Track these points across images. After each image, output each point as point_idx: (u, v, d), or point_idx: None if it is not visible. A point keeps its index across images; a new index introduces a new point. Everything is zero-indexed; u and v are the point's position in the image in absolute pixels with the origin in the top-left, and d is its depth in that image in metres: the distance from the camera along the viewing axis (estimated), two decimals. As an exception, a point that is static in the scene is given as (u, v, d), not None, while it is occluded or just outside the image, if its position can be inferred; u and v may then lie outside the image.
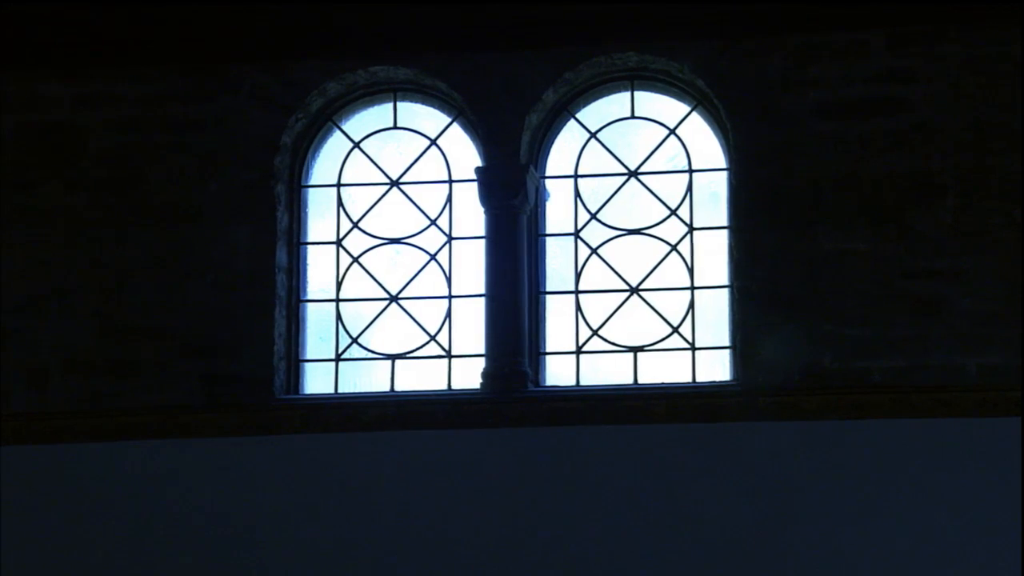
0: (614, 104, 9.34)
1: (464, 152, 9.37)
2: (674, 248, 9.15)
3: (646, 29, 9.00)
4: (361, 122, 9.53)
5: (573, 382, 9.12)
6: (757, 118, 8.92)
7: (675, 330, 9.07)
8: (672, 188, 9.23)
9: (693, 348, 9.04)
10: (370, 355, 9.28)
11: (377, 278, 9.34)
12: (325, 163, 9.51)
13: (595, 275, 9.20)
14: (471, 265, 9.24)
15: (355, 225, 9.41)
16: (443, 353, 9.21)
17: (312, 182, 9.48)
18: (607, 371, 9.12)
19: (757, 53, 8.95)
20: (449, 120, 9.42)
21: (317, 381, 9.30)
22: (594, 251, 9.22)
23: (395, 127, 9.49)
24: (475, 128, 9.24)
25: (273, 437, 8.92)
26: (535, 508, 8.68)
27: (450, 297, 9.27)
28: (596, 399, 8.84)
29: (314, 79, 9.29)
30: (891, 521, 8.43)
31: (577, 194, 9.30)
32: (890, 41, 8.86)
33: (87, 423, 9.00)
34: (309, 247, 9.43)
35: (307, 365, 9.31)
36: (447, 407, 8.93)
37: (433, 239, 9.34)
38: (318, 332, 9.36)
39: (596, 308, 9.17)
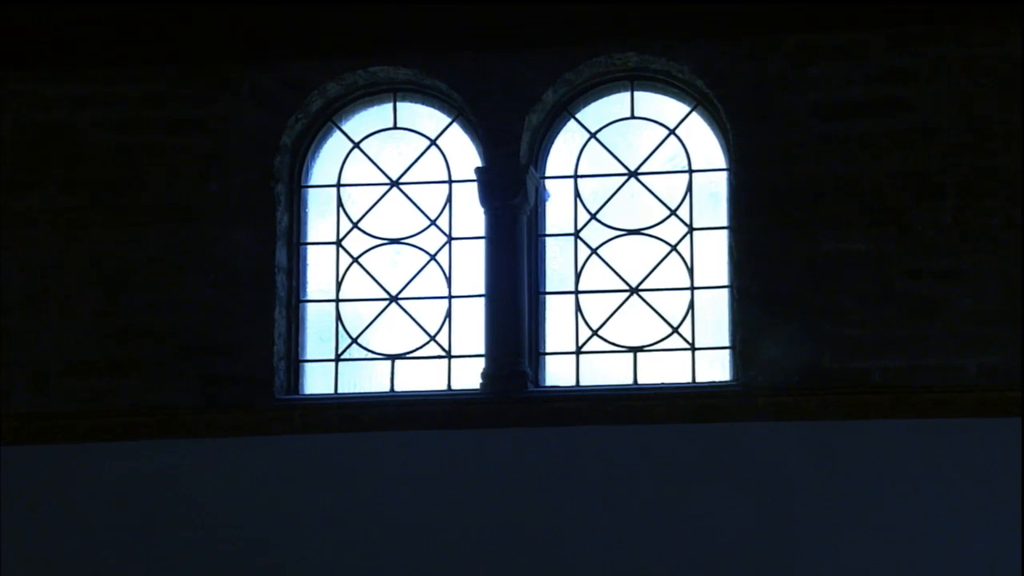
0: (614, 104, 9.34)
1: (464, 152, 9.37)
2: (674, 248, 9.15)
3: (646, 29, 9.00)
4: (361, 122, 9.53)
5: (573, 382, 9.11)
6: (757, 118, 8.92)
7: (675, 330, 9.07)
8: (672, 188, 9.23)
9: (693, 348, 9.04)
10: (370, 355, 9.28)
11: (377, 278, 9.34)
12: (325, 163, 9.51)
13: (595, 275, 9.20)
14: (471, 265, 9.24)
15: (355, 225, 9.41)
16: (443, 353, 9.21)
17: (312, 182, 9.48)
18: (607, 371, 9.12)
19: (757, 53, 8.95)
20: (449, 120, 9.42)
21: (317, 381, 9.30)
22: (594, 251, 9.22)
23: (395, 127, 9.49)
24: (475, 128, 9.24)
25: (273, 437, 8.92)
26: (535, 508, 8.68)
27: (450, 297, 9.27)
28: (596, 399, 8.84)
29: (314, 79, 9.29)
30: (891, 521, 8.43)
31: (577, 194, 9.30)
32: (890, 41, 8.86)
33: (87, 423, 9.00)
34: (309, 247, 9.43)
35: (307, 365, 9.31)
36: (447, 407, 8.93)
37: (433, 239, 9.34)
38: (318, 332, 9.36)
39: (596, 308, 9.17)
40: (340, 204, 9.45)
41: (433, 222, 9.35)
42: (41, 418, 9.05)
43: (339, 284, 9.37)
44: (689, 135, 9.25)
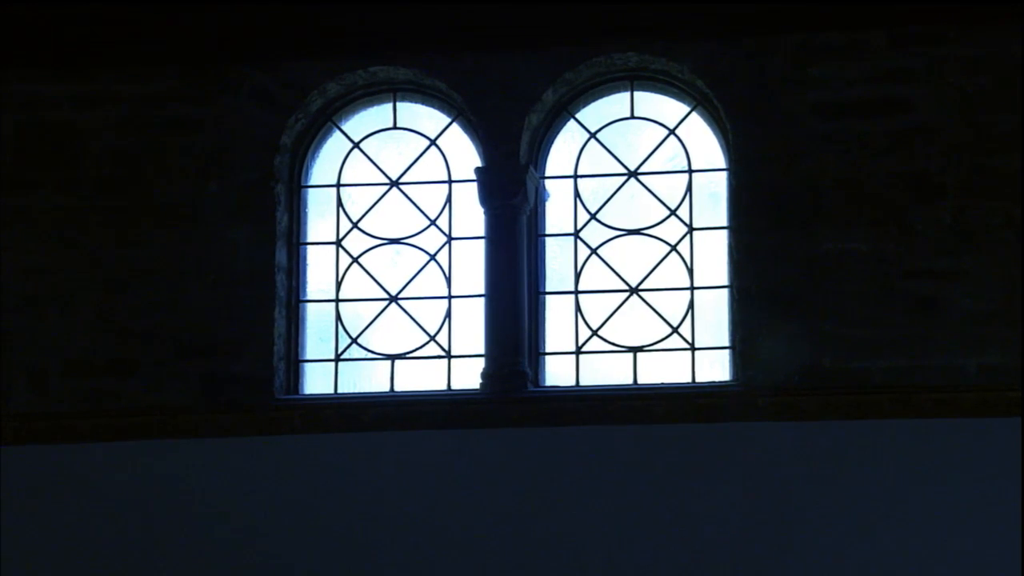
0: (614, 104, 9.34)
1: (464, 152, 9.37)
2: (674, 248, 9.15)
3: (646, 29, 9.00)
4: (361, 122, 9.53)
5: (573, 382, 9.11)
6: (757, 118, 8.92)
7: (675, 330, 9.07)
8: (672, 188, 9.23)
9: (693, 348, 9.04)
10: (370, 355, 9.28)
11: (377, 278, 9.34)
12: (325, 163, 9.51)
13: (595, 275, 9.20)
14: (471, 265, 9.24)
15: (355, 225, 9.41)
16: (443, 353, 9.21)
17: (312, 182, 9.48)
18: (607, 371, 9.12)
19: (757, 53, 8.95)
20: (449, 120, 9.42)
21: (317, 381, 9.30)
22: (594, 251, 9.22)
23: (395, 127, 9.49)
24: (475, 128, 9.24)
25: (273, 437, 8.92)
26: (535, 508, 8.68)
27: (450, 297, 9.26)
28: (596, 399, 8.84)
29: (314, 79, 9.29)
30: (891, 521, 8.43)
31: (577, 194, 9.30)
32: (890, 41, 8.86)
33: (87, 423, 9.00)
34: (309, 247, 9.43)
35: (307, 365, 9.31)
36: (447, 407, 8.93)
37: (433, 239, 9.34)
38: (318, 332, 9.36)
39: (596, 308, 9.17)
40: (340, 204, 9.45)
41: (433, 222, 9.35)
42: (41, 418, 9.04)
43: (339, 284, 9.37)
44: (689, 135, 9.25)
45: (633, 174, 9.26)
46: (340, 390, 9.25)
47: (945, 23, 8.80)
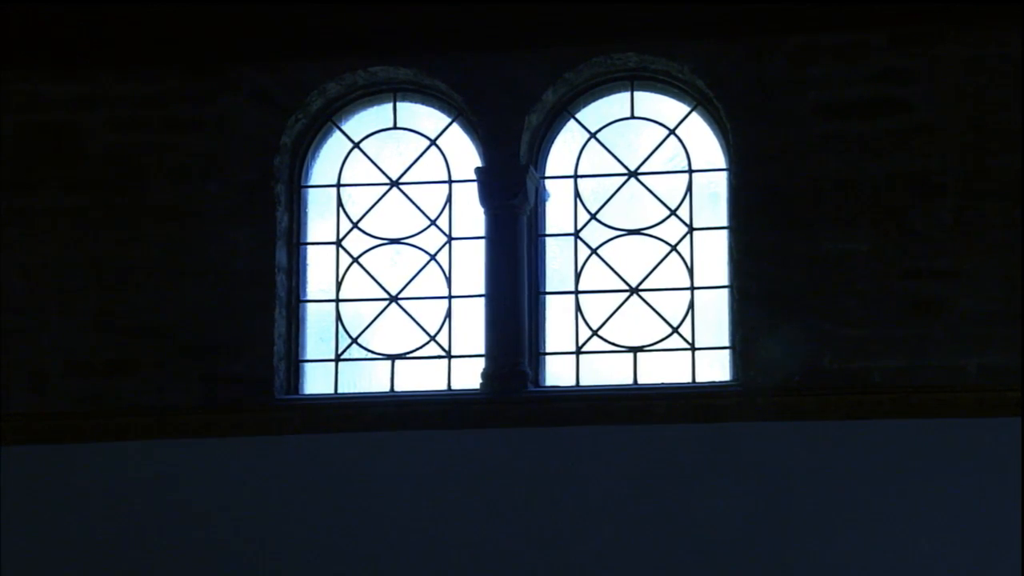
0: (614, 104, 9.34)
1: (464, 152, 9.37)
2: (674, 248, 9.16)
3: (646, 29, 9.00)
4: (361, 122, 9.53)
5: (573, 382, 9.12)
6: (757, 118, 8.92)
7: (675, 330, 9.07)
8: (672, 188, 9.23)
9: (693, 348, 9.04)
10: (370, 355, 9.28)
11: (377, 278, 9.34)
12: (325, 163, 9.52)
13: (595, 275, 9.20)
14: (471, 265, 9.25)
15: (355, 225, 9.41)
16: (443, 353, 9.21)
17: (312, 182, 9.48)
18: (607, 371, 9.12)
19: (757, 53, 8.95)
20: (449, 120, 9.42)
21: (317, 381, 9.30)
22: (594, 251, 9.22)
23: (395, 127, 9.49)
24: (475, 128, 9.24)
25: (273, 437, 8.92)
26: (535, 508, 8.68)
27: (450, 297, 9.27)
28: (596, 399, 8.84)
29: (314, 79, 9.29)
30: (891, 521, 8.43)
31: (577, 194, 9.30)
32: (890, 41, 8.86)
33: (87, 423, 9.00)
34: (309, 247, 9.43)
35: (307, 365, 9.31)
36: (447, 407, 8.93)
37: (433, 239, 9.34)
38: (318, 332, 9.36)
39: (596, 308, 9.17)
40: (340, 204, 9.45)
41: (433, 222, 9.35)
42: (41, 418, 9.05)
43: (339, 284, 9.37)
44: (689, 135, 9.25)
45: (633, 174, 9.26)
46: (340, 390, 9.25)
47: (945, 23, 8.80)
